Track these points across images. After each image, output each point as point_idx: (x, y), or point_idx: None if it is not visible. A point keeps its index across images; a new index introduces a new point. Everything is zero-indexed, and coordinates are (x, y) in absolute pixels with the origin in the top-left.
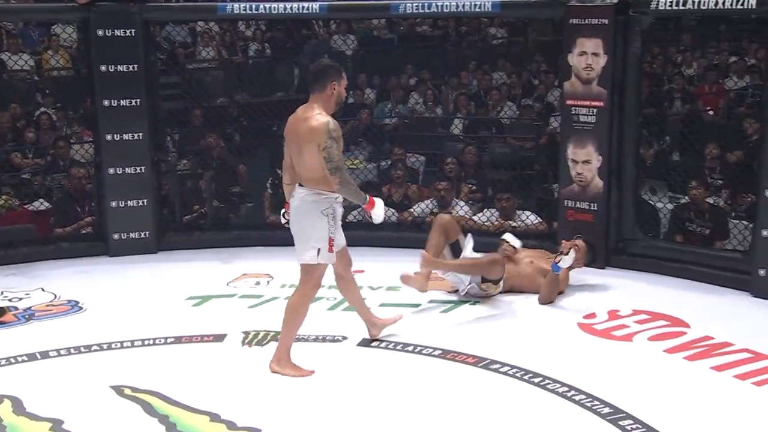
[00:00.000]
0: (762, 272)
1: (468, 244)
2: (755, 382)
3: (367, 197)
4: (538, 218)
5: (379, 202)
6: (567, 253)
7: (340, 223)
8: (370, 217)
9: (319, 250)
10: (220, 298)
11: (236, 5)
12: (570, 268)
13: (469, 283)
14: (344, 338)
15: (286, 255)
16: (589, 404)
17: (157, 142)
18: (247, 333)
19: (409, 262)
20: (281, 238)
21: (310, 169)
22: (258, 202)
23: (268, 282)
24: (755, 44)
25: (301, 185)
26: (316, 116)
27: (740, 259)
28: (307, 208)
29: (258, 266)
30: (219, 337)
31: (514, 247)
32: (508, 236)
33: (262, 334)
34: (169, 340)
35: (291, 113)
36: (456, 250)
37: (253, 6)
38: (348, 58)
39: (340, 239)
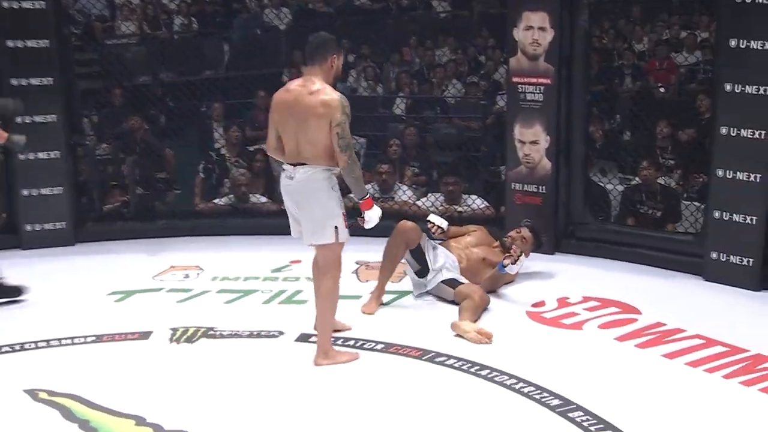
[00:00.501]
0: (714, 255)
1: (429, 247)
2: (707, 369)
3: (369, 194)
4: (485, 202)
5: (377, 208)
6: (515, 262)
7: None
8: (362, 218)
9: (336, 228)
10: (146, 292)
11: None
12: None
13: (434, 286)
14: (281, 333)
15: (216, 245)
16: (538, 396)
17: (72, 125)
18: (175, 330)
19: (349, 251)
20: (211, 227)
21: (317, 146)
22: (186, 189)
23: (197, 275)
24: (706, 17)
25: (301, 164)
26: (326, 90)
27: (692, 242)
28: (316, 186)
29: (187, 258)
30: (144, 335)
31: (442, 228)
32: (433, 218)
33: (191, 330)
34: (89, 339)
35: (221, 92)
36: (418, 254)
37: None
38: (281, 33)
39: None
